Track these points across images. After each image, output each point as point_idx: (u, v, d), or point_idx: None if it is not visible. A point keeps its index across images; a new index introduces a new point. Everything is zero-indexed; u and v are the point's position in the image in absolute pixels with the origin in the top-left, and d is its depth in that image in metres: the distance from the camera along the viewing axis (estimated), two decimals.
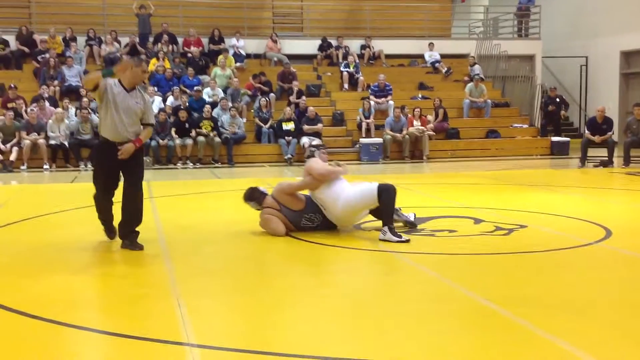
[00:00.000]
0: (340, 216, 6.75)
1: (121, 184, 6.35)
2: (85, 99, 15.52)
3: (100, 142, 6.33)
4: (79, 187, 11.97)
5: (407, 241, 6.33)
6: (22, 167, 14.56)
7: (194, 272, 5.51)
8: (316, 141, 16.00)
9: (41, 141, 14.73)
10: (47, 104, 15.62)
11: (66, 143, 14.89)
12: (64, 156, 14.98)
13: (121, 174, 6.31)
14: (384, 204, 6.49)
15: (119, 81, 6.17)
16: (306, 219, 6.85)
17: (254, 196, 7.01)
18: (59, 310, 4.47)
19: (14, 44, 18.13)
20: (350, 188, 6.76)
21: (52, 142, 14.83)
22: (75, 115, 15.36)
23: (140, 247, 6.27)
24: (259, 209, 7.00)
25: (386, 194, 6.51)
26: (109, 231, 6.57)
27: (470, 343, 3.82)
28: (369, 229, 7.06)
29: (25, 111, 15.39)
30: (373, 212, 6.81)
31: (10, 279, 5.41)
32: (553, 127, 18.92)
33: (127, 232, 6.35)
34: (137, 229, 6.36)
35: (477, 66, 20.00)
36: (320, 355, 3.62)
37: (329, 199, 6.73)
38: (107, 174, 6.27)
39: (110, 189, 6.35)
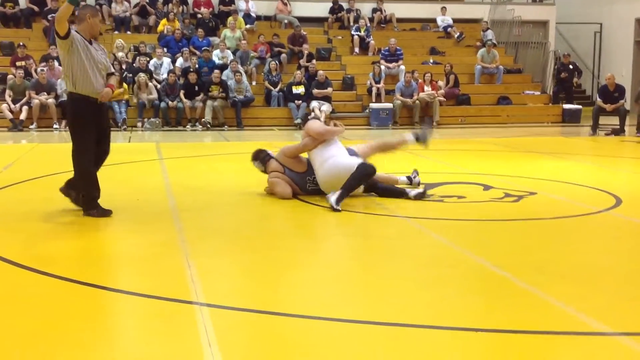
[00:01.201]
0: (322, 179, 6.69)
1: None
2: None
3: (79, 100, 5.88)
4: None
5: (338, 210, 6.18)
6: (31, 127, 14.58)
7: (203, 232, 5.54)
8: (325, 105, 16.00)
9: (51, 100, 14.72)
10: (56, 63, 15.56)
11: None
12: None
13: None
14: (351, 177, 6.44)
15: (77, 32, 5.88)
16: (310, 182, 6.86)
17: (258, 156, 7.06)
18: (69, 268, 4.52)
19: (23, 2, 18.01)
20: (343, 157, 6.71)
21: (61, 99, 14.81)
22: None
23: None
24: (263, 171, 7.04)
25: (359, 169, 6.48)
26: (98, 204, 6.02)
27: (477, 308, 3.84)
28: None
29: (35, 70, 15.36)
30: (379, 193, 6.86)
31: (21, 237, 5.46)
32: (565, 95, 18.76)
33: (77, 193, 6.14)
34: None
35: (489, 31, 19.75)
36: (327, 316, 3.65)
37: (318, 159, 6.72)
38: (92, 135, 5.92)
39: (93, 150, 5.94)
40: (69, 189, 6.25)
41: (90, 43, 5.94)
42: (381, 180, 6.98)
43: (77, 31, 5.90)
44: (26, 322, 3.58)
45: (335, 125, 6.99)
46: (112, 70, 6.28)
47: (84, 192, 6.05)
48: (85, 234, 5.52)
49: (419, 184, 7.18)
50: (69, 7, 5.65)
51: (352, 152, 6.92)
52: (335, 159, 6.65)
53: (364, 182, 6.62)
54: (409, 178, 7.22)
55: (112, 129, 14.82)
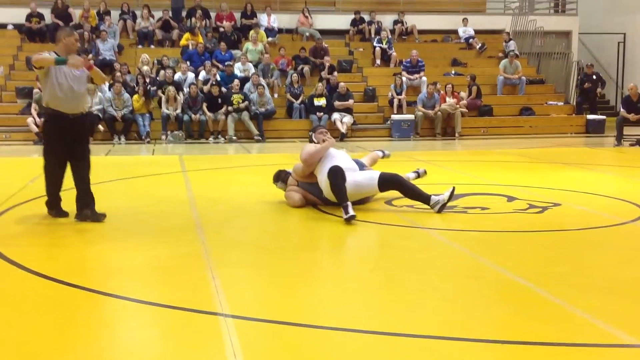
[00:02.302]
0: (326, 191, 6.76)
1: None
2: (118, 73, 15.63)
3: (52, 115, 6.32)
4: (113, 160, 12.13)
5: (353, 216, 6.14)
6: None
7: (226, 244, 5.57)
8: (347, 117, 16.03)
9: None
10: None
11: (99, 115, 15.03)
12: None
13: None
14: (331, 189, 6.55)
15: (56, 53, 6.25)
16: None
17: (280, 177, 7.32)
18: (94, 279, 4.57)
19: (49, 18, 18.28)
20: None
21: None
22: (110, 90, 15.49)
23: (103, 217, 6.36)
24: (284, 189, 7.23)
25: (329, 177, 6.54)
26: (57, 206, 6.54)
27: (502, 319, 3.81)
28: (400, 206, 7.05)
29: None
30: (404, 192, 6.84)
31: (46, 249, 5.53)
32: (589, 105, 18.61)
33: (85, 203, 6.40)
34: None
35: (512, 42, 19.67)
36: (351, 328, 3.65)
37: (319, 176, 6.85)
38: (62, 147, 6.30)
39: (65, 161, 6.39)
40: (81, 211, 6.40)
41: None
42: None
43: (55, 52, 6.29)
44: (48, 332, 3.62)
45: (323, 141, 7.00)
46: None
47: (47, 192, 6.50)
48: (109, 245, 5.58)
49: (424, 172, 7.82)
50: (51, 62, 6.08)
51: (361, 165, 7.12)
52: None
53: (341, 182, 6.48)
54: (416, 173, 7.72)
55: (135, 141, 14.95)
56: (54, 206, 6.54)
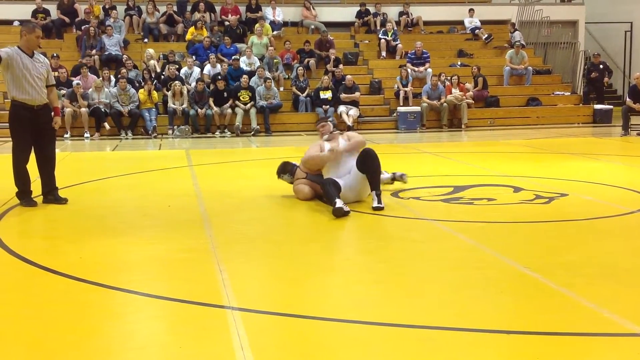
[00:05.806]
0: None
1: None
2: (124, 70, 15.66)
3: (17, 107, 6.68)
4: (120, 155, 12.17)
5: (341, 209, 6.16)
6: (65, 136, 14.78)
7: (233, 237, 5.59)
8: (353, 110, 16.02)
9: (83, 110, 14.94)
10: (89, 73, 15.79)
11: (106, 110, 15.06)
12: (96, 124, 15.09)
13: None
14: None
15: (19, 48, 6.67)
16: None
17: (286, 169, 7.32)
18: (102, 273, 4.60)
19: (54, 14, 18.32)
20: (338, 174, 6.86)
21: (93, 107, 14.99)
22: (115, 85, 15.51)
23: (65, 200, 6.94)
24: (291, 182, 7.23)
25: (321, 186, 6.69)
26: (30, 197, 6.89)
27: (508, 310, 3.82)
28: (406, 198, 7.06)
29: (69, 81, 15.60)
30: None
31: (55, 244, 5.57)
32: (596, 95, 18.53)
33: (50, 189, 6.96)
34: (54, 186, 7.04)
35: (518, 32, 19.61)
36: (357, 319, 3.67)
37: (324, 172, 6.90)
38: (29, 137, 6.72)
39: (30, 151, 6.81)
40: (46, 196, 6.95)
41: (32, 55, 6.71)
42: None
43: (18, 46, 6.70)
44: (57, 326, 3.65)
45: (331, 151, 6.91)
46: (53, 82, 6.99)
47: (16, 184, 6.85)
48: (116, 239, 5.61)
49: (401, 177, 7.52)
50: None
51: None
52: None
53: (328, 188, 6.49)
54: (392, 175, 7.52)
55: (142, 136, 14.99)
56: (25, 196, 6.84)
